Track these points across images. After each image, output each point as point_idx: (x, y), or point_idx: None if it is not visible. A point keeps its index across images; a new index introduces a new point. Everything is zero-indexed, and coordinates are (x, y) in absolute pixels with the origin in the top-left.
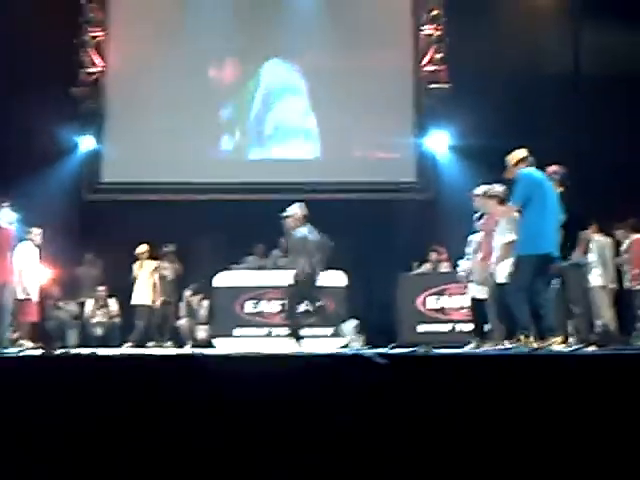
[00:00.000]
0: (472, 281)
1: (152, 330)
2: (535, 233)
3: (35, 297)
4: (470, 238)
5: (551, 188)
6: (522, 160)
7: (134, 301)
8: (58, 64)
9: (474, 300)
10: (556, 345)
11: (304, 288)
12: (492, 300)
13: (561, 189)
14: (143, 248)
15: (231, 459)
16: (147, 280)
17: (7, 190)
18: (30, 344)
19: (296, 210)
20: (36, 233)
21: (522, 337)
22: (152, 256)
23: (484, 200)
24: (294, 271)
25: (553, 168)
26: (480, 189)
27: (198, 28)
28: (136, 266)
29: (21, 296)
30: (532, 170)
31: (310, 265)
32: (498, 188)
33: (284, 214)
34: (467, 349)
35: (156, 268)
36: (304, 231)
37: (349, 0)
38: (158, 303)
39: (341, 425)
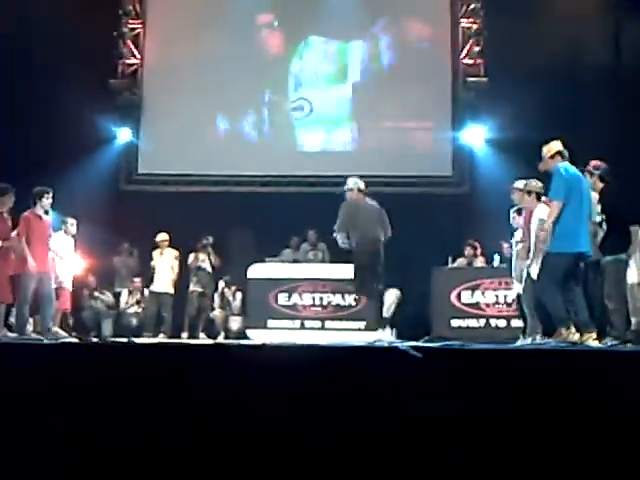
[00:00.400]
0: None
1: (167, 319)
2: (570, 231)
3: (69, 286)
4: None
5: (587, 185)
6: (559, 153)
7: (154, 289)
8: (98, 56)
9: (519, 296)
10: (591, 341)
11: (366, 258)
12: (527, 296)
13: (602, 184)
14: (163, 236)
15: (257, 448)
16: (167, 269)
17: (46, 179)
18: (62, 333)
19: (356, 182)
20: (71, 223)
21: (563, 330)
22: (171, 245)
23: (522, 194)
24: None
25: (595, 163)
26: (519, 183)
27: (235, 18)
28: (156, 254)
29: (54, 285)
30: (569, 165)
31: (370, 235)
32: (536, 183)
33: (345, 187)
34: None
35: (176, 257)
36: (364, 203)
37: None
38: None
39: (373, 418)
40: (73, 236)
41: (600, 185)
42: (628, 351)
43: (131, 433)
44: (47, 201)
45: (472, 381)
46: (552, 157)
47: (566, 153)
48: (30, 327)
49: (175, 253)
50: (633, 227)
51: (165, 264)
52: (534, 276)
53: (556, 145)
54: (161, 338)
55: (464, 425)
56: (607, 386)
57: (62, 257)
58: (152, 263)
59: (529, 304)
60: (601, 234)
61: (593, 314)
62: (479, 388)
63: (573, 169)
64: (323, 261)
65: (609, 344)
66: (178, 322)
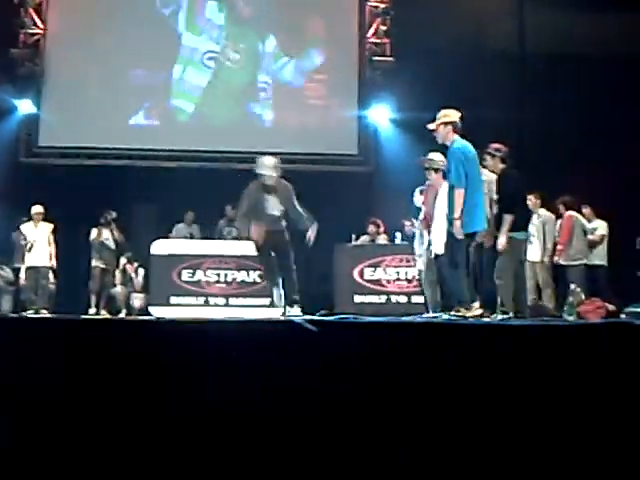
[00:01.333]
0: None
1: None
2: (468, 211)
3: None
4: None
5: (477, 164)
6: (453, 123)
7: (30, 263)
8: None
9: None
10: (476, 313)
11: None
12: (428, 271)
13: (503, 166)
14: (38, 209)
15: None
16: (44, 242)
17: None
18: None
19: (276, 165)
20: None
21: (461, 309)
22: (46, 219)
23: (428, 171)
24: None
25: (496, 145)
26: (433, 156)
27: None
28: (30, 227)
29: None
30: (461, 144)
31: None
32: (439, 158)
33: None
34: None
35: (53, 231)
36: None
37: None
38: (54, 265)
39: (275, 392)
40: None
41: (500, 166)
42: (518, 325)
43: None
44: None
45: (353, 353)
46: (445, 124)
47: (459, 127)
48: None
49: (51, 226)
50: (536, 209)
51: (42, 237)
52: (435, 251)
53: (453, 114)
54: (44, 313)
55: (354, 397)
56: (498, 359)
57: None
58: (27, 237)
59: (432, 280)
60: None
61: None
62: (372, 360)
63: (467, 146)
64: (237, 238)
65: (499, 318)
66: (83, 298)
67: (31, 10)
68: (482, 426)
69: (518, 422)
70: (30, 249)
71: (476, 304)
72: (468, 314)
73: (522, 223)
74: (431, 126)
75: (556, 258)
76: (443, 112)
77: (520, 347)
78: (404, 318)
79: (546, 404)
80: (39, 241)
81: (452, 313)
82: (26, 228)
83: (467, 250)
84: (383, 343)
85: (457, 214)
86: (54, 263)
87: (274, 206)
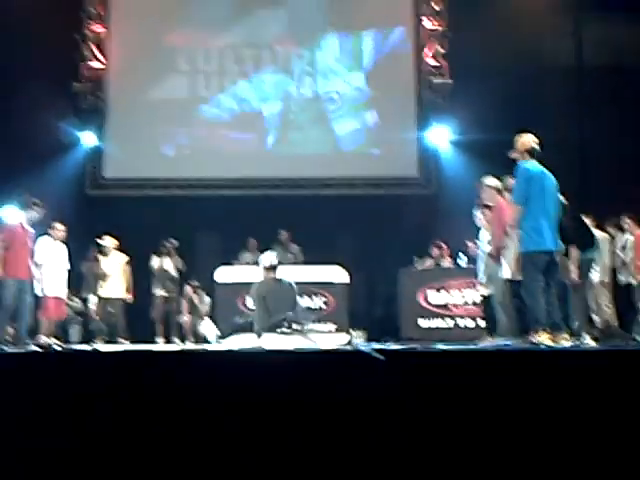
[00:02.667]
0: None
1: (122, 325)
2: (535, 230)
3: (55, 294)
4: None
5: (552, 182)
6: (528, 151)
7: (103, 294)
8: (61, 59)
9: (485, 296)
10: (565, 341)
11: None
12: (500, 296)
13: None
14: (112, 241)
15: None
16: (119, 273)
17: (11, 184)
18: (51, 340)
19: (272, 260)
20: (59, 228)
21: (541, 332)
22: (120, 249)
23: (493, 192)
24: None
25: None
26: (489, 180)
27: (199, 21)
28: (102, 258)
29: (41, 293)
30: (532, 164)
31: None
32: (506, 180)
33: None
34: (479, 345)
35: (127, 262)
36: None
37: None
38: (130, 297)
39: (339, 422)
40: (64, 242)
41: None
42: (591, 350)
43: (103, 444)
44: (36, 214)
45: (436, 383)
46: (522, 153)
47: (536, 151)
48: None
49: (125, 258)
50: (597, 231)
51: (115, 269)
52: (504, 276)
53: (527, 140)
54: (122, 344)
55: (430, 427)
56: (575, 384)
57: (43, 264)
58: (100, 267)
59: (503, 304)
60: None
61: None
62: (443, 390)
63: (536, 167)
64: (295, 263)
65: (576, 343)
66: (150, 327)
67: (92, 44)
68: (568, 452)
69: (610, 448)
70: (104, 280)
71: (553, 328)
72: (541, 339)
73: (585, 243)
74: (514, 155)
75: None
76: (520, 140)
77: (602, 372)
78: (473, 345)
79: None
80: (113, 272)
81: (528, 338)
82: (100, 259)
83: (542, 270)
84: (454, 372)
85: (509, 228)
86: (127, 295)
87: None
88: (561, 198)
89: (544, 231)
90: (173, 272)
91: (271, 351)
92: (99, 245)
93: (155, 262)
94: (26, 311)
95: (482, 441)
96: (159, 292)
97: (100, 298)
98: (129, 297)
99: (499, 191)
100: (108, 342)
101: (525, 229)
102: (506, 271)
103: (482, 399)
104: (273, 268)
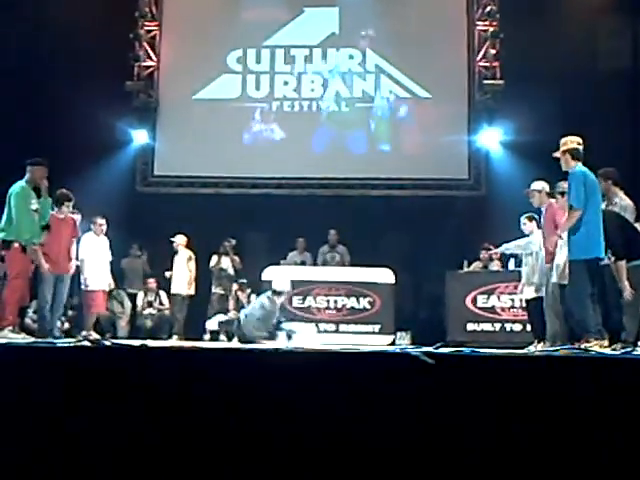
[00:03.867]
0: (532, 282)
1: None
2: (590, 237)
3: (98, 287)
4: (529, 238)
5: (599, 189)
6: (572, 151)
7: (173, 290)
8: (117, 59)
9: (531, 300)
10: (599, 348)
11: None
12: (550, 300)
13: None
14: (180, 238)
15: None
16: (182, 269)
17: (65, 181)
18: (93, 335)
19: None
20: (100, 223)
21: (591, 340)
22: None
23: (541, 196)
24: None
25: (605, 170)
26: (537, 184)
27: (251, 20)
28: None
29: (83, 287)
30: (586, 170)
31: None
32: (558, 185)
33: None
34: (527, 350)
35: (190, 257)
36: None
37: None
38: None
39: (386, 423)
40: (107, 235)
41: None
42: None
43: (140, 437)
44: (67, 208)
45: (484, 387)
46: (564, 152)
47: (581, 153)
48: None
49: (189, 254)
50: None
51: (181, 265)
52: (553, 280)
53: (573, 141)
54: (174, 340)
55: (475, 433)
56: (622, 392)
57: (85, 259)
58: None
59: (553, 309)
60: None
61: (608, 319)
62: (491, 395)
63: (590, 173)
64: (342, 264)
65: (620, 350)
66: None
67: (145, 43)
68: (621, 461)
69: None
70: (170, 276)
71: (602, 335)
72: (590, 346)
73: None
74: (557, 155)
75: None
76: (563, 140)
77: None
78: (522, 351)
79: None
80: (178, 269)
81: (577, 344)
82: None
83: (592, 277)
84: (502, 377)
85: (561, 231)
86: (188, 291)
87: None
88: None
89: (598, 238)
90: (230, 270)
91: (316, 351)
92: (171, 242)
93: (213, 261)
94: (61, 305)
95: (533, 447)
96: (216, 290)
97: (169, 294)
98: (190, 293)
99: (549, 194)
100: (168, 338)
101: (579, 235)
102: (557, 275)
103: (533, 405)
104: (279, 294)
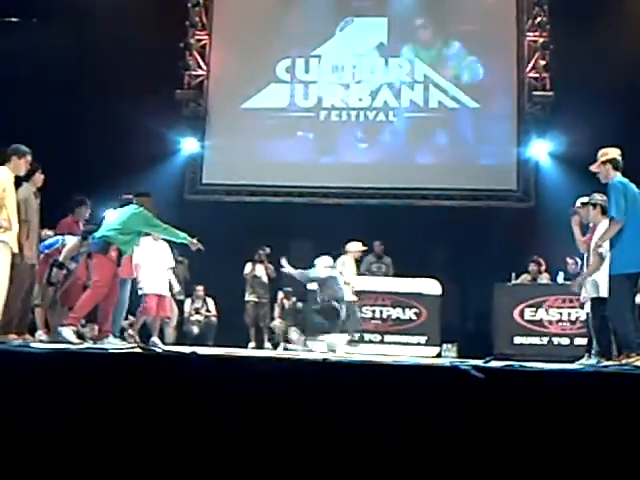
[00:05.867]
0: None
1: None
2: (631, 250)
3: (154, 291)
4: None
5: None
6: (612, 161)
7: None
8: (166, 67)
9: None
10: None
11: None
12: (591, 314)
13: None
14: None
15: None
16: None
17: (118, 189)
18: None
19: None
20: None
21: (633, 355)
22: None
23: (587, 209)
24: None
25: None
26: (581, 200)
27: (299, 29)
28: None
29: (140, 292)
30: (626, 180)
31: None
32: (600, 196)
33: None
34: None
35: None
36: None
37: (453, 5)
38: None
39: (434, 436)
40: (167, 241)
41: None
42: None
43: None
44: (85, 211)
45: (531, 402)
46: (604, 163)
47: (620, 163)
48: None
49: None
50: None
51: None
52: (591, 294)
53: (612, 152)
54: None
55: (524, 446)
56: None
57: (140, 264)
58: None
59: (591, 324)
60: None
61: None
62: (538, 409)
63: (630, 184)
64: (387, 274)
65: None
66: (241, 332)
67: (195, 53)
68: None
69: None
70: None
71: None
72: (632, 361)
73: None
74: (593, 168)
75: None
76: (602, 151)
77: None
78: (568, 366)
79: None
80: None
81: (619, 359)
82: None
83: (633, 292)
84: (548, 392)
85: (602, 241)
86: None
87: None
88: None
89: (637, 251)
90: (264, 278)
91: (364, 362)
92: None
93: (247, 268)
94: (123, 309)
95: (580, 463)
96: (250, 298)
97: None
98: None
99: (593, 206)
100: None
101: (620, 248)
102: (598, 290)
103: (580, 420)
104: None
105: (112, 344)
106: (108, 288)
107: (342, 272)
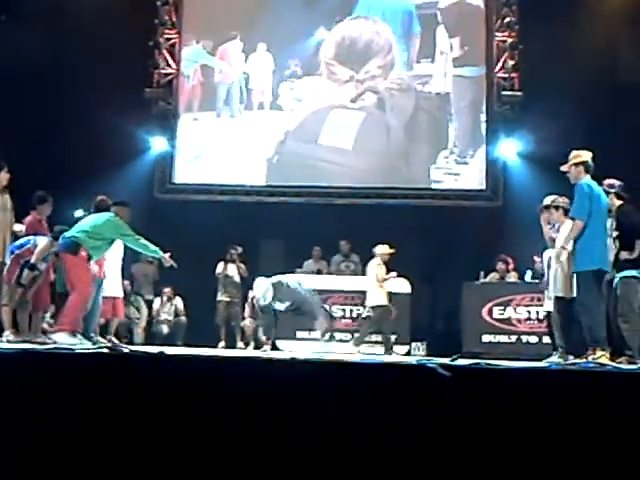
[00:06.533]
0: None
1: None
2: (592, 249)
3: (112, 293)
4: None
5: (606, 202)
6: (584, 164)
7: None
8: (135, 65)
9: (549, 313)
10: (604, 359)
11: None
12: (552, 313)
13: (619, 202)
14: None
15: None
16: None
17: (85, 187)
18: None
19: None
20: None
21: (597, 351)
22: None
23: (551, 210)
24: None
25: (609, 181)
26: (547, 200)
27: (270, 29)
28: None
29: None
30: (592, 182)
31: None
32: (563, 199)
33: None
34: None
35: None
36: None
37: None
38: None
39: (400, 435)
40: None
41: (617, 202)
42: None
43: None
44: (47, 208)
45: (497, 399)
46: (576, 165)
47: (591, 167)
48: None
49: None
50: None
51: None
52: (555, 292)
53: (584, 155)
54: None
55: (489, 444)
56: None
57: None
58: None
59: (556, 322)
60: (614, 251)
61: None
62: (503, 406)
63: (596, 186)
64: (355, 273)
65: (627, 365)
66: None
67: (165, 51)
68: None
69: None
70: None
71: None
72: (597, 357)
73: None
74: (564, 168)
75: None
76: (574, 153)
77: None
78: (535, 364)
79: None
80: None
81: (584, 356)
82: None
83: (599, 288)
84: (514, 390)
85: (566, 243)
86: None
87: None
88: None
89: (603, 250)
90: (236, 278)
91: (329, 361)
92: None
93: (219, 268)
94: (97, 310)
95: (547, 461)
96: (222, 297)
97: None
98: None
99: (556, 208)
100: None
101: (585, 247)
102: (559, 289)
103: (549, 418)
104: None
105: (64, 342)
106: (91, 286)
107: (376, 274)
